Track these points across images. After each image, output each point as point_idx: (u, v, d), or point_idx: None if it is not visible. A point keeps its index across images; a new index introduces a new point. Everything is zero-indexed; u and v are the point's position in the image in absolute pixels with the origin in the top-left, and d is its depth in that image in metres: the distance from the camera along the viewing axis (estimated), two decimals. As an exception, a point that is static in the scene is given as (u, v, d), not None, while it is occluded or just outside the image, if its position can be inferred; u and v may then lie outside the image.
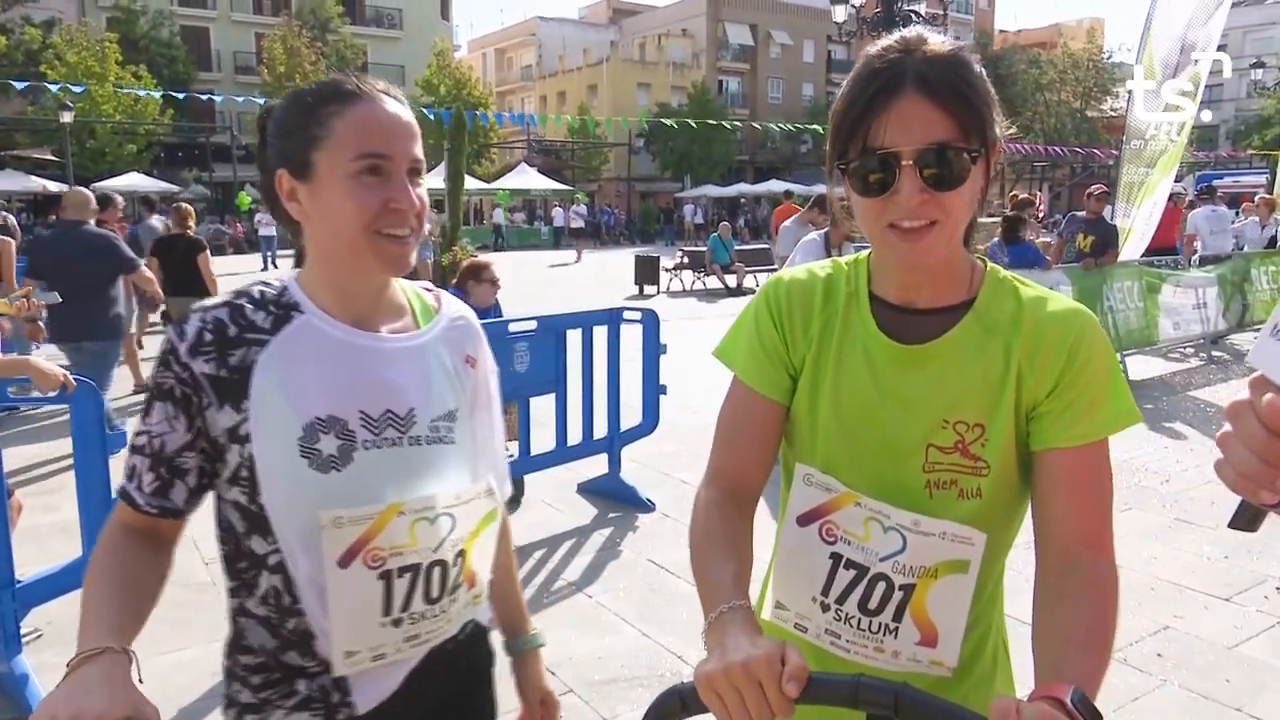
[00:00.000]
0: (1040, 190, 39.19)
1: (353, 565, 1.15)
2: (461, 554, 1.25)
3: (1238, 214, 15.45)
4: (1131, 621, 3.74)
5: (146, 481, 1.19)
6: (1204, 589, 4.10)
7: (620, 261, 22.72)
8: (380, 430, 1.21)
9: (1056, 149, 37.78)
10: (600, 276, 21.17)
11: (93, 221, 6.37)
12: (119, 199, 8.65)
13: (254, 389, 1.16)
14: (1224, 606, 3.93)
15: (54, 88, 21.55)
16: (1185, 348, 10.41)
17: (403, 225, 1.19)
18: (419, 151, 1.22)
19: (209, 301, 1.21)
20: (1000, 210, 9.33)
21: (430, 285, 1.41)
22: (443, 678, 1.31)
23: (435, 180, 25.39)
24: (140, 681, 1.03)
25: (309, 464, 1.15)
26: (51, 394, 3.21)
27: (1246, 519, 0.76)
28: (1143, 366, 9.39)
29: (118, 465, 3.49)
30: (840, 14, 17.62)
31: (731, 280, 17.91)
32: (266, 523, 1.16)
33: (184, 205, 8.59)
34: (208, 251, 7.89)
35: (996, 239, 8.10)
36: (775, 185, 40.41)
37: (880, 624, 1.17)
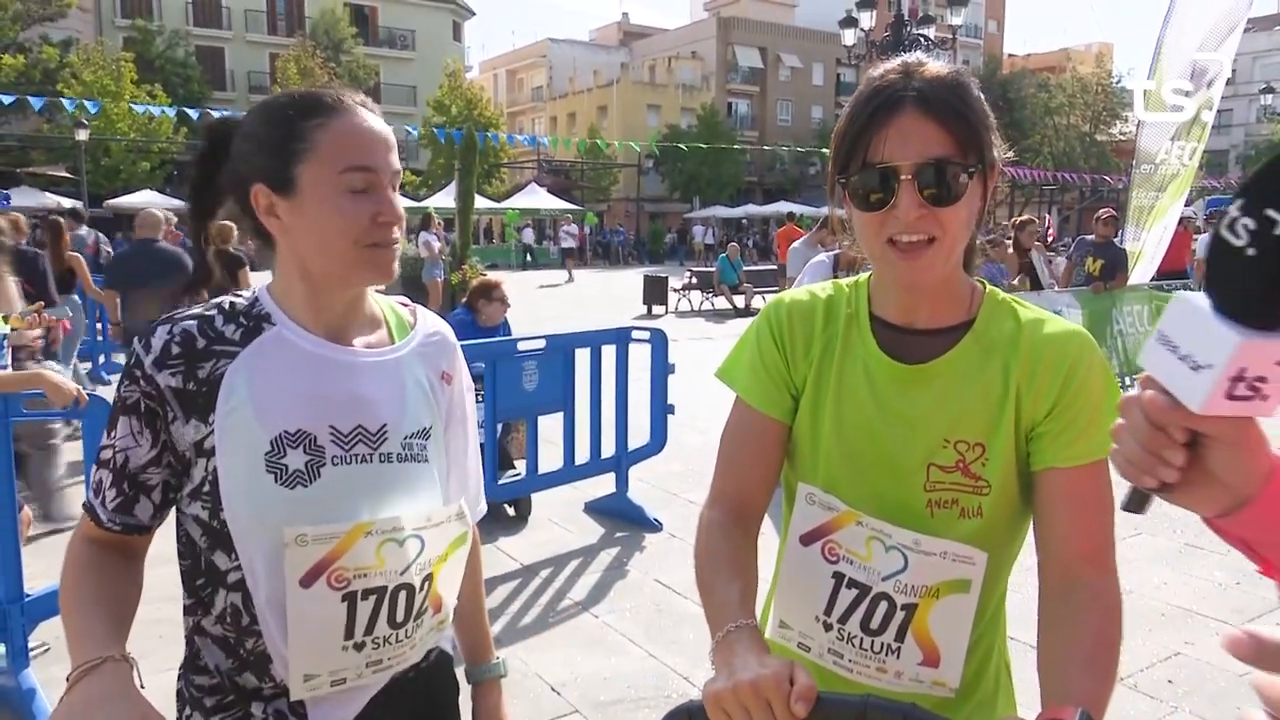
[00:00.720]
0: (1049, 214, 39.17)
1: (315, 585, 1.12)
2: (429, 578, 1.21)
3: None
4: (1142, 647, 3.70)
5: (109, 497, 1.16)
6: (1215, 615, 4.06)
7: (629, 281, 22.78)
8: (351, 446, 1.17)
9: (1066, 175, 37.82)
10: (608, 296, 21.22)
11: (162, 238, 7.00)
12: (172, 216, 8.92)
13: (221, 402, 1.13)
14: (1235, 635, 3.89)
15: (70, 106, 21.77)
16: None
17: (390, 236, 1.18)
18: (397, 162, 1.21)
19: (178, 313, 1.19)
20: (1001, 234, 9.33)
21: (407, 300, 1.39)
22: (404, 706, 1.27)
23: (445, 199, 25.57)
24: (142, 687, 1.03)
25: (274, 479, 1.12)
26: (64, 409, 3.23)
27: (1136, 502, 0.79)
28: (1152, 390, 9.33)
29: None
30: (849, 38, 17.78)
31: (740, 301, 17.94)
32: (228, 539, 1.13)
33: (227, 223, 8.71)
34: (248, 267, 8.05)
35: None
36: (784, 207, 40.51)
37: (883, 644, 1.17)
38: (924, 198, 1.06)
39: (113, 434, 1.16)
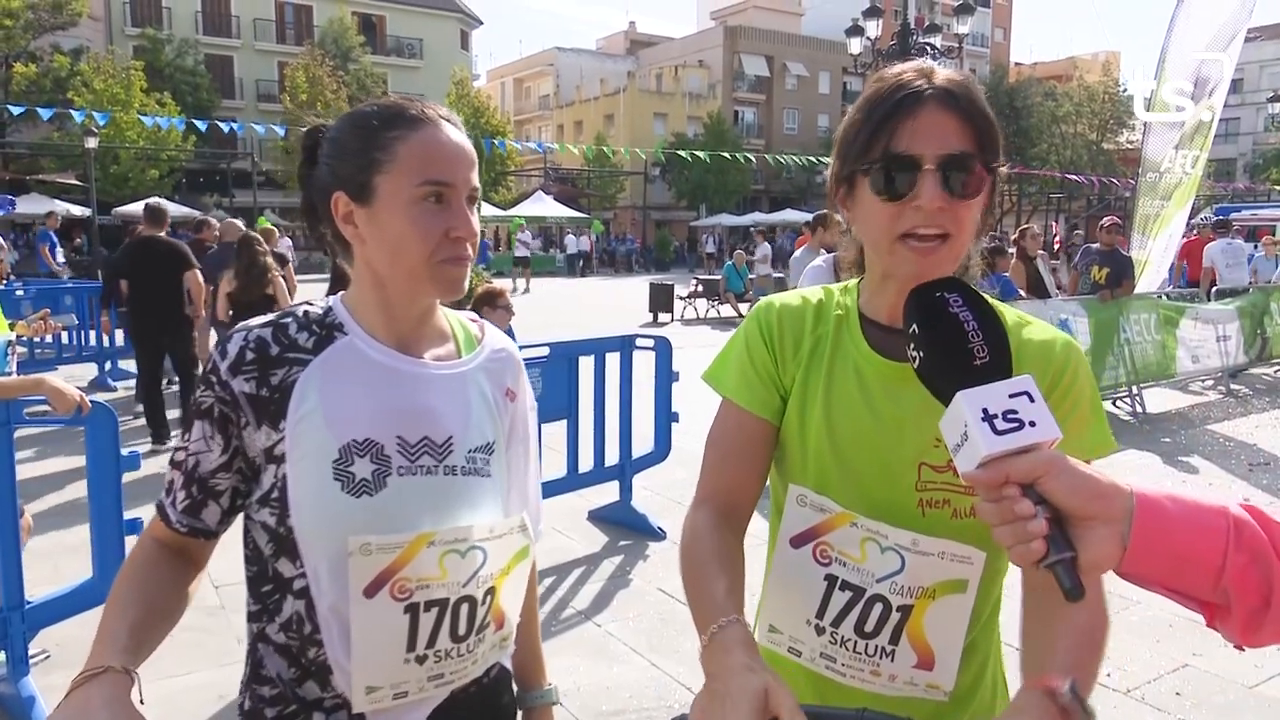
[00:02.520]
0: (1056, 222, 39.13)
1: (378, 596, 1.12)
2: (491, 591, 1.21)
3: (1257, 247, 15.37)
4: (1149, 659, 3.67)
5: (180, 498, 1.19)
6: (1224, 627, 4.02)
7: (635, 289, 22.78)
8: (416, 457, 1.18)
9: (1076, 176, 37.79)
10: (615, 304, 21.22)
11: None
12: (214, 221, 9.31)
13: (292, 409, 1.15)
14: (1244, 645, 3.86)
15: (79, 116, 21.90)
16: (1203, 381, 10.31)
17: (462, 252, 1.18)
18: (477, 179, 1.21)
19: (254, 320, 1.21)
20: (1005, 243, 9.30)
21: (475, 315, 1.40)
22: (465, 715, 1.26)
23: (452, 207, 25.49)
24: (141, 703, 1.02)
25: (341, 487, 1.13)
26: (67, 416, 3.23)
27: (1067, 588, 0.80)
28: (1160, 400, 9.30)
29: (131, 488, 3.51)
30: (856, 46, 17.78)
31: (745, 308, 17.92)
32: (294, 546, 1.14)
33: (270, 226, 9.22)
34: (291, 268, 8.43)
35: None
36: (790, 215, 40.54)
37: (877, 646, 1.16)
38: (945, 189, 1.06)
39: (188, 437, 1.19)
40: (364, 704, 1.15)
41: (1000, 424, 0.83)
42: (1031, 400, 0.84)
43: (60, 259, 14.21)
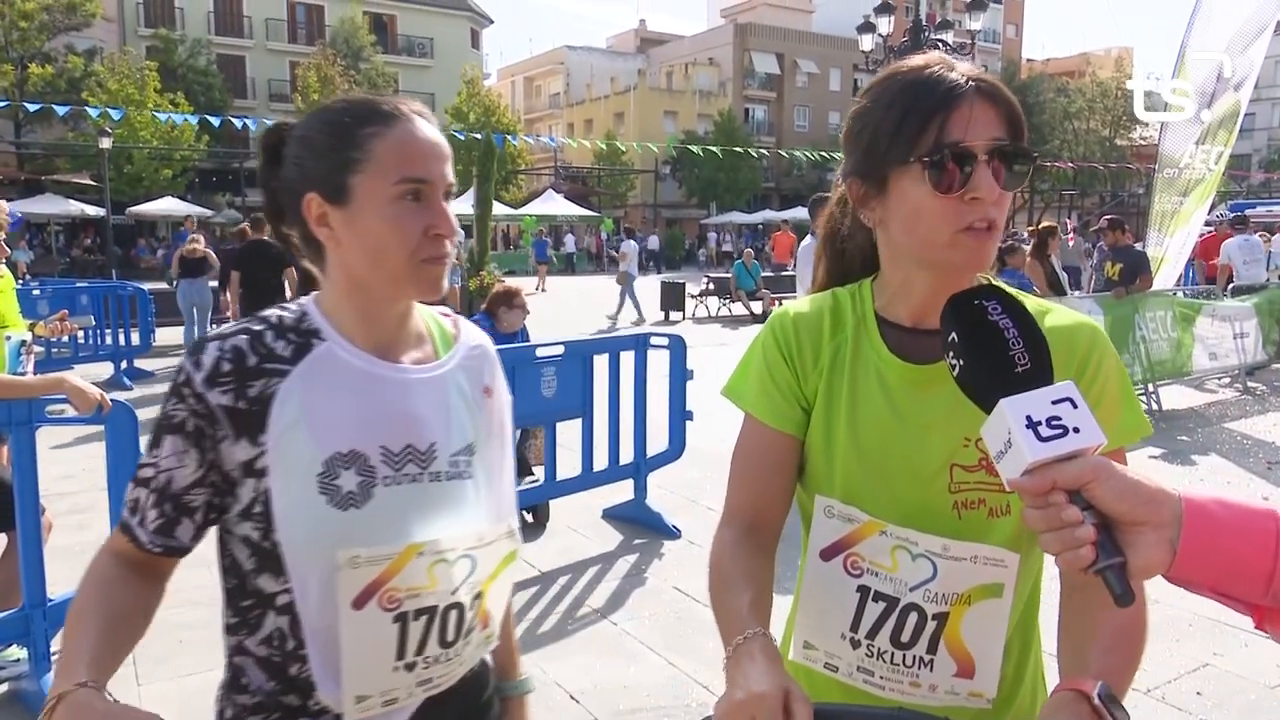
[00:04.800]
0: (1069, 218, 38.92)
1: (368, 607, 1.10)
2: (479, 596, 1.21)
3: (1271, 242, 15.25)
4: (1170, 658, 3.65)
5: (151, 518, 1.14)
6: (1244, 625, 3.96)
7: (647, 287, 22.77)
8: (401, 466, 1.16)
9: (1093, 165, 37.59)
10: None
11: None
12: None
13: (273, 421, 1.11)
14: (1264, 644, 3.82)
15: (94, 114, 22.04)
16: (1220, 379, 10.24)
17: (443, 250, 1.15)
18: (452, 174, 1.18)
19: (226, 329, 1.16)
20: (1017, 240, 9.25)
21: (448, 310, 1.37)
22: (446, 714, 1.26)
23: (464, 206, 25.64)
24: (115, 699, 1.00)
25: (327, 500, 1.11)
26: (88, 414, 3.25)
27: (1118, 594, 0.80)
28: (1176, 397, 9.24)
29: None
30: (867, 43, 17.71)
31: (757, 307, 17.90)
32: (279, 561, 1.11)
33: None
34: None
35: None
36: (801, 212, 40.36)
37: (914, 657, 1.14)
38: (997, 180, 1.06)
39: (156, 452, 1.13)
40: (354, 713, 1.14)
41: (1044, 431, 0.83)
42: (1075, 406, 0.84)
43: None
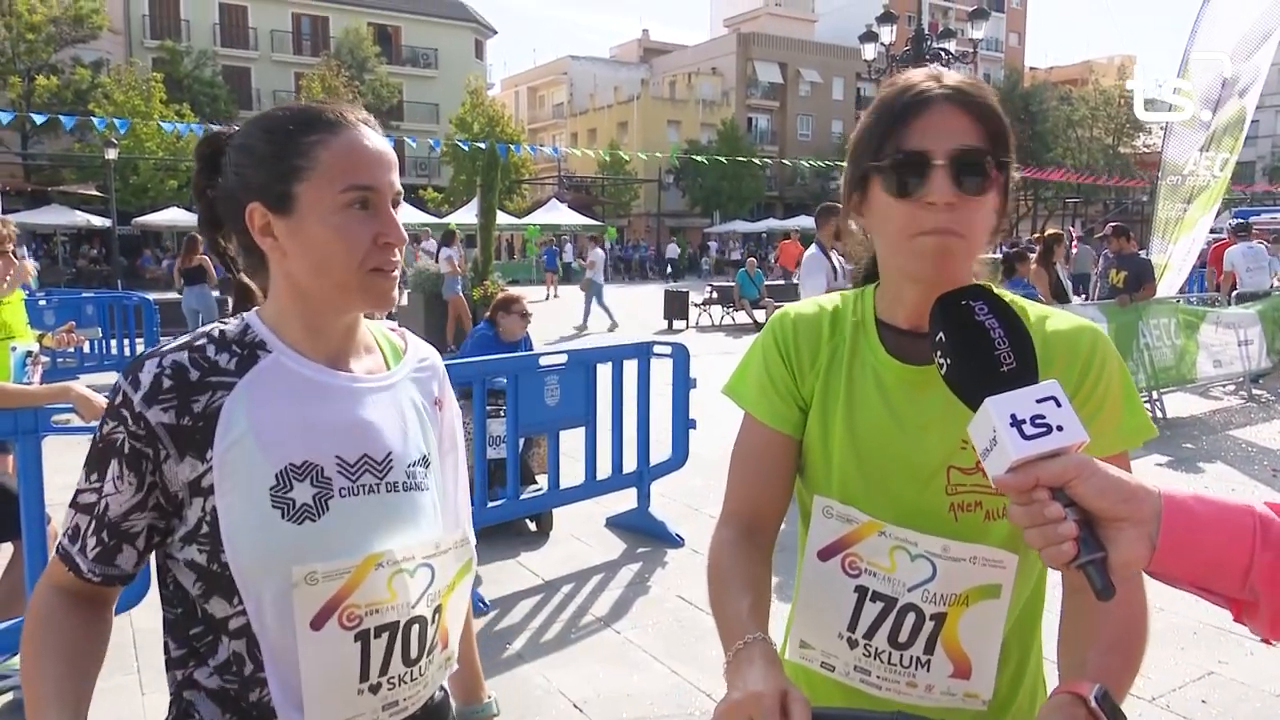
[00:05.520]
0: (1072, 226, 38.90)
1: (327, 627, 1.06)
2: (438, 610, 1.17)
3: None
4: (1175, 666, 3.64)
5: (90, 545, 1.08)
6: (1249, 633, 3.97)
7: (650, 296, 22.79)
8: (357, 476, 1.12)
9: (1092, 178, 37.59)
10: (630, 311, 21.25)
11: None
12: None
13: (219, 436, 1.07)
14: (1269, 652, 3.82)
15: (100, 125, 22.16)
16: (1224, 386, 10.22)
17: (391, 259, 1.12)
18: (399, 181, 1.16)
19: (166, 346, 1.11)
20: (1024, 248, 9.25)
21: (395, 325, 1.35)
22: None
23: (468, 215, 25.68)
24: None
25: (281, 514, 1.06)
26: (94, 423, 3.26)
27: (1098, 587, 0.82)
28: (1181, 405, 9.22)
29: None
30: (870, 52, 17.75)
31: (760, 315, 17.91)
32: (229, 583, 1.06)
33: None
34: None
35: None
36: (804, 221, 40.44)
37: (911, 657, 1.15)
38: (955, 185, 1.06)
39: (93, 478, 1.09)
40: None
41: (1029, 429, 0.85)
42: (1058, 405, 0.86)
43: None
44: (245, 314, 1.19)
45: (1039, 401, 0.87)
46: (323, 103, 1.17)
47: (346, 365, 1.18)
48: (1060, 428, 0.85)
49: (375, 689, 1.11)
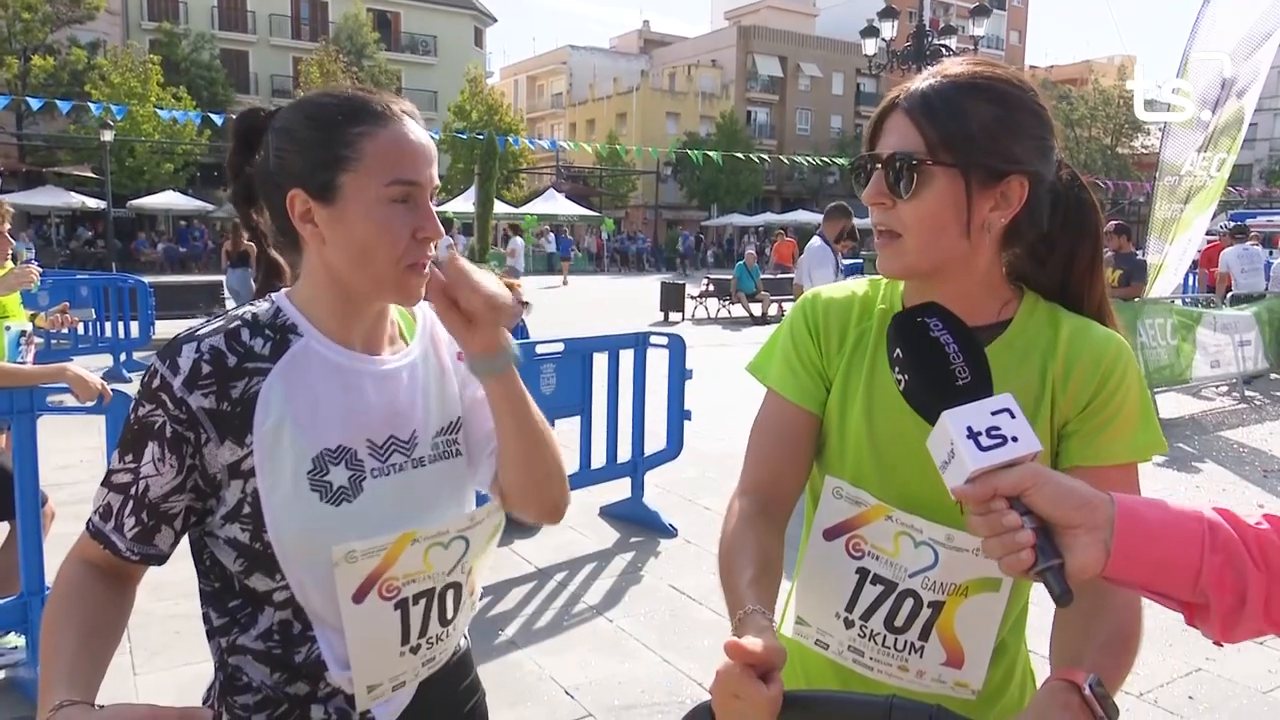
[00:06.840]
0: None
1: (368, 599, 1.11)
2: (470, 570, 1.25)
3: (1272, 253, 15.30)
4: (1162, 663, 3.67)
5: (128, 526, 1.10)
6: (1237, 632, 4.00)
7: (646, 288, 22.79)
8: (386, 457, 1.17)
9: (1091, 178, 37.64)
10: (626, 303, 21.24)
11: None
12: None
13: (258, 422, 1.09)
14: (1257, 649, 3.85)
15: (96, 109, 22.04)
16: (1217, 387, 10.26)
17: (427, 254, 1.13)
18: (436, 176, 1.17)
19: (200, 330, 1.13)
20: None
21: None
22: (444, 677, 1.29)
23: (465, 204, 25.58)
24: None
25: (320, 497, 1.10)
26: (89, 403, 3.27)
27: (1056, 594, 0.85)
28: (1174, 405, 9.26)
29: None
30: (870, 47, 17.70)
31: (756, 309, 17.92)
32: (271, 560, 1.10)
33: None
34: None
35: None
36: (803, 215, 40.48)
37: (906, 642, 1.16)
38: (887, 188, 1.11)
39: (128, 458, 1.09)
40: (367, 701, 1.16)
41: (984, 440, 0.88)
42: (1013, 416, 0.89)
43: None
44: (275, 295, 1.20)
45: (994, 414, 0.90)
46: (369, 91, 1.16)
47: (372, 348, 1.21)
48: (1015, 438, 0.88)
49: (416, 649, 1.19)
